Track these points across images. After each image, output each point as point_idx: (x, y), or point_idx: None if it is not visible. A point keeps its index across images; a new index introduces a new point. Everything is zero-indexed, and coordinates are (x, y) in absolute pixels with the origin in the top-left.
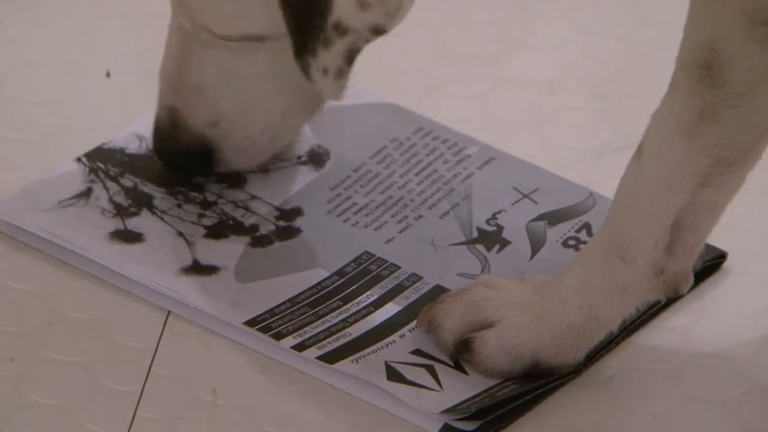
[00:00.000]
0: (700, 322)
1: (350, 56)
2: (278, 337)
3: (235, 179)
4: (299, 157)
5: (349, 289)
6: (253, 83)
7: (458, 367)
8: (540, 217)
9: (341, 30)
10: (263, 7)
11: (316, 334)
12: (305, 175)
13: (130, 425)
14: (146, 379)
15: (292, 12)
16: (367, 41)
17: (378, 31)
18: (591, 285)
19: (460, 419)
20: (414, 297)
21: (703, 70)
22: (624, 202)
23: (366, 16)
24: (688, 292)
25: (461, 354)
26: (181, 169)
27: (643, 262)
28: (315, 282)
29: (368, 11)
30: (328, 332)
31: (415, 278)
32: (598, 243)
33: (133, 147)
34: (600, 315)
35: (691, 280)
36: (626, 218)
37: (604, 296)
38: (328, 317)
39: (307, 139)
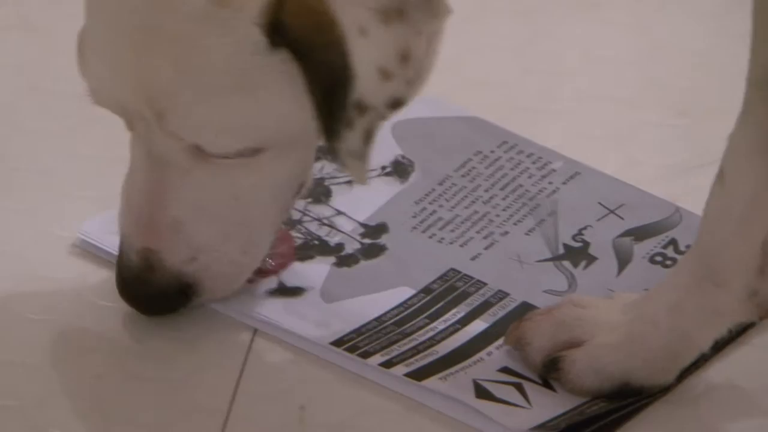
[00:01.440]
0: None
1: (368, 137)
2: (365, 356)
3: (320, 193)
4: (384, 168)
5: (436, 307)
6: (234, 203)
7: (546, 384)
8: (626, 233)
9: (362, 108)
10: (291, 105)
11: (404, 352)
12: (390, 188)
13: None
14: (233, 397)
15: (320, 95)
16: (383, 118)
17: (396, 104)
18: (683, 308)
19: None
20: (501, 314)
21: None
22: (711, 227)
23: (387, 88)
24: None
25: (550, 372)
26: (156, 312)
27: (735, 286)
28: (401, 300)
29: (390, 81)
30: (416, 350)
31: (501, 295)
32: (689, 266)
33: None
34: (692, 337)
35: None
36: (715, 242)
37: (696, 319)
38: (415, 335)
39: (391, 148)
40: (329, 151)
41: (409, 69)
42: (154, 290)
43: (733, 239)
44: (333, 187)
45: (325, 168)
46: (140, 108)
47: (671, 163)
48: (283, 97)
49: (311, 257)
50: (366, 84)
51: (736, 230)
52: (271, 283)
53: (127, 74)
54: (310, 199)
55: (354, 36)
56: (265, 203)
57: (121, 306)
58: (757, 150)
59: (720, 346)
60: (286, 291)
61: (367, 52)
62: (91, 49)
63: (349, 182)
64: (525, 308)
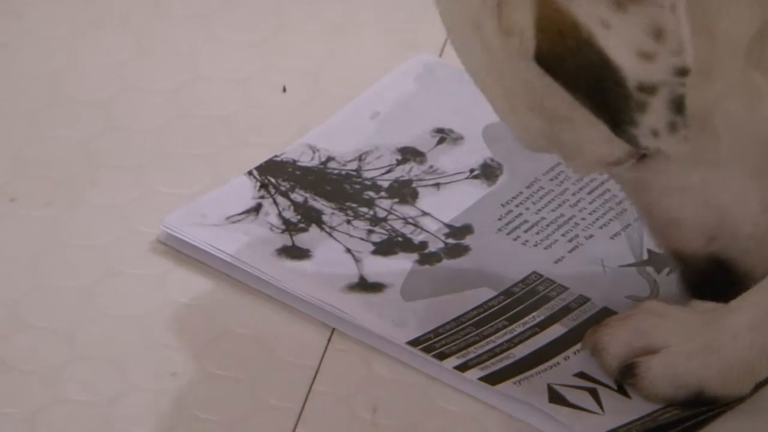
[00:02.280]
0: None
1: (676, 105)
2: (441, 357)
3: (406, 194)
4: (472, 170)
5: (516, 310)
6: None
7: (622, 390)
8: None
9: (648, 89)
10: None
11: (480, 355)
12: (476, 190)
13: None
14: (307, 397)
15: (587, 100)
16: (683, 85)
17: (682, 71)
18: (764, 324)
19: None
20: (581, 319)
21: None
22: None
23: (657, 66)
24: None
25: (625, 378)
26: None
27: None
28: (481, 302)
29: (655, 61)
30: (492, 353)
31: (582, 300)
32: None
33: (306, 159)
34: None
35: None
36: None
37: None
38: (492, 338)
39: (480, 150)
40: (626, 141)
41: (668, 43)
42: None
43: None
44: (420, 189)
45: (413, 170)
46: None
47: None
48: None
49: (394, 253)
50: (632, 70)
51: None
52: (352, 277)
53: (518, 120)
54: (396, 200)
55: (600, 30)
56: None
57: (199, 303)
58: None
59: None
60: (366, 286)
61: (618, 42)
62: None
63: (436, 185)
64: (606, 313)
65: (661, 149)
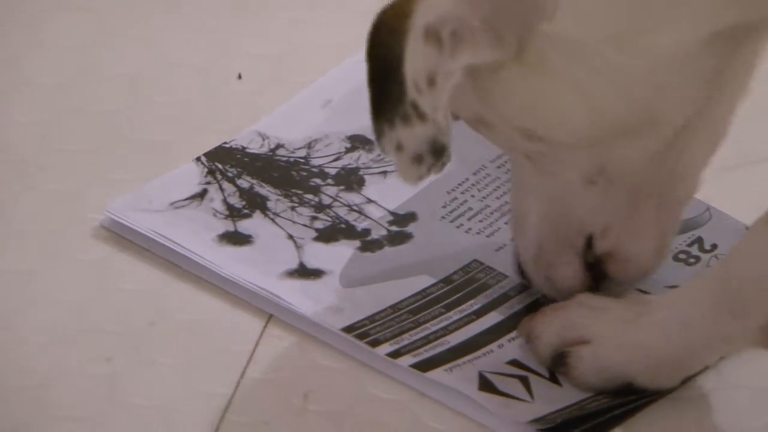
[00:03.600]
0: None
1: (434, 149)
2: (375, 344)
3: (353, 182)
4: None
5: (454, 297)
6: None
7: (553, 378)
8: None
9: (419, 113)
10: None
11: (413, 342)
12: None
13: (217, 428)
14: (239, 383)
15: (374, 70)
16: (446, 135)
17: (442, 132)
18: (695, 327)
19: (545, 429)
20: (518, 307)
21: None
22: (748, 262)
23: (426, 102)
24: None
25: (557, 367)
26: None
27: (752, 322)
28: (420, 289)
29: (422, 97)
30: (426, 340)
31: (521, 288)
32: (711, 287)
33: (255, 146)
34: (699, 353)
35: None
36: (747, 279)
37: (706, 340)
38: (428, 324)
39: None
40: (373, 128)
41: (433, 95)
42: None
43: (766, 284)
44: (367, 177)
45: (361, 158)
46: None
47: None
48: None
49: (336, 240)
50: (411, 91)
51: None
52: (291, 263)
53: None
54: (342, 187)
55: (412, 37)
56: None
57: (139, 288)
58: None
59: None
60: (305, 273)
61: (411, 57)
62: None
63: (383, 173)
64: (543, 302)
65: (392, 161)
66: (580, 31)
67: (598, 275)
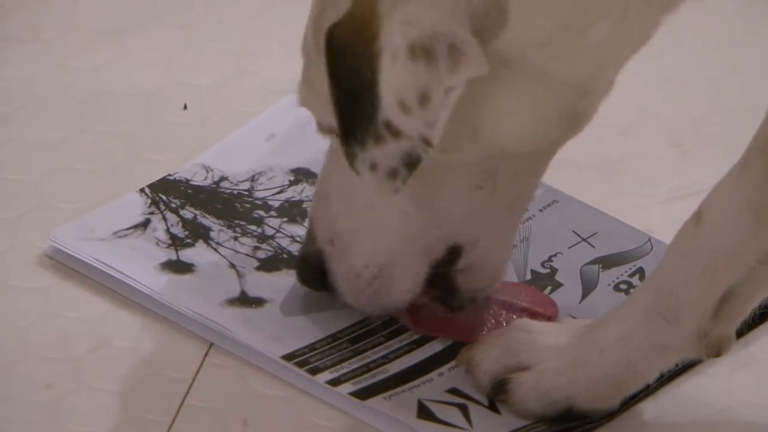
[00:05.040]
0: (742, 371)
1: (409, 162)
2: (314, 371)
3: (296, 214)
4: None
5: (394, 327)
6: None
7: (492, 407)
8: (595, 261)
9: (393, 131)
10: None
11: (354, 370)
12: None
13: None
14: (179, 410)
15: (340, 95)
16: (425, 152)
17: (427, 142)
18: (632, 339)
19: None
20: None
21: None
22: (676, 265)
23: (411, 121)
24: None
25: (497, 395)
26: (302, 281)
27: (687, 326)
28: (359, 318)
29: (410, 116)
30: (366, 368)
31: None
32: (644, 298)
33: (199, 178)
34: (638, 368)
35: (734, 342)
36: (676, 281)
37: (644, 352)
38: (368, 353)
39: None
40: (345, 153)
41: (427, 112)
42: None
43: (696, 283)
44: (309, 209)
45: (304, 191)
46: None
47: (654, 193)
48: None
49: (278, 269)
50: (388, 108)
51: (700, 275)
52: (233, 291)
53: None
54: (285, 219)
55: (387, 58)
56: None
57: (81, 316)
58: (749, 208)
59: (668, 379)
60: (246, 301)
61: (391, 78)
62: None
63: None
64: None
65: (367, 181)
66: (525, 38)
67: (444, 288)
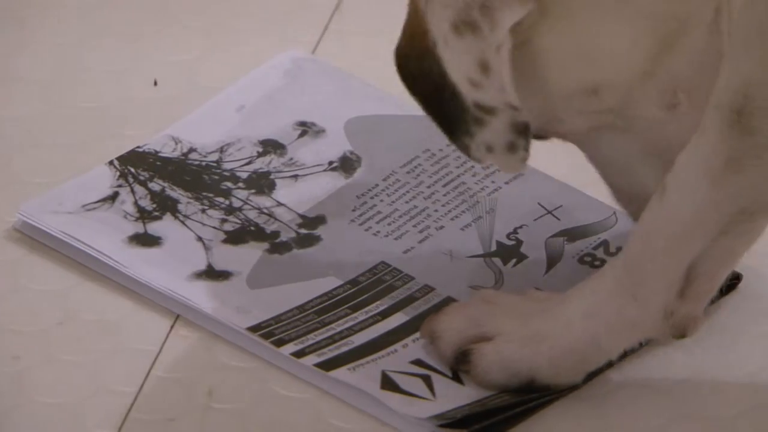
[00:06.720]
0: (707, 341)
1: (518, 129)
2: (279, 343)
3: (263, 186)
4: (330, 163)
5: (360, 299)
6: None
7: (456, 377)
8: (560, 233)
9: (486, 109)
10: None
11: (318, 342)
12: (333, 182)
13: (121, 425)
14: (144, 381)
15: (425, 104)
16: (520, 117)
17: (511, 107)
18: (598, 314)
19: (446, 425)
20: (423, 308)
21: (734, 115)
22: (643, 239)
23: (487, 95)
24: None
25: (460, 365)
26: None
27: (654, 304)
28: (326, 290)
29: (481, 90)
30: (331, 340)
31: (427, 290)
32: (612, 273)
33: (168, 150)
34: (602, 344)
35: (700, 323)
36: (643, 256)
37: (609, 328)
38: (333, 325)
39: (341, 144)
40: (461, 149)
41: (492, 79)
42: None
43: (661, 256)
44: (278, 181)
45: (272, 162)
46: None
47: None
48: None
49: (245, 242)
50: (466, 90)
51: (665, 248)
52: (199, 264)
53: None
54: (253, 191)
55: (441, 45)
56: None
57: (48, 289)
58: (706, 174)
59: (628, 354)
60: (213, 274)
61: (452, 61)
62: None
63: (294, 176)
64: (449, 303)
65: (492, 163)
66: None
67: None
